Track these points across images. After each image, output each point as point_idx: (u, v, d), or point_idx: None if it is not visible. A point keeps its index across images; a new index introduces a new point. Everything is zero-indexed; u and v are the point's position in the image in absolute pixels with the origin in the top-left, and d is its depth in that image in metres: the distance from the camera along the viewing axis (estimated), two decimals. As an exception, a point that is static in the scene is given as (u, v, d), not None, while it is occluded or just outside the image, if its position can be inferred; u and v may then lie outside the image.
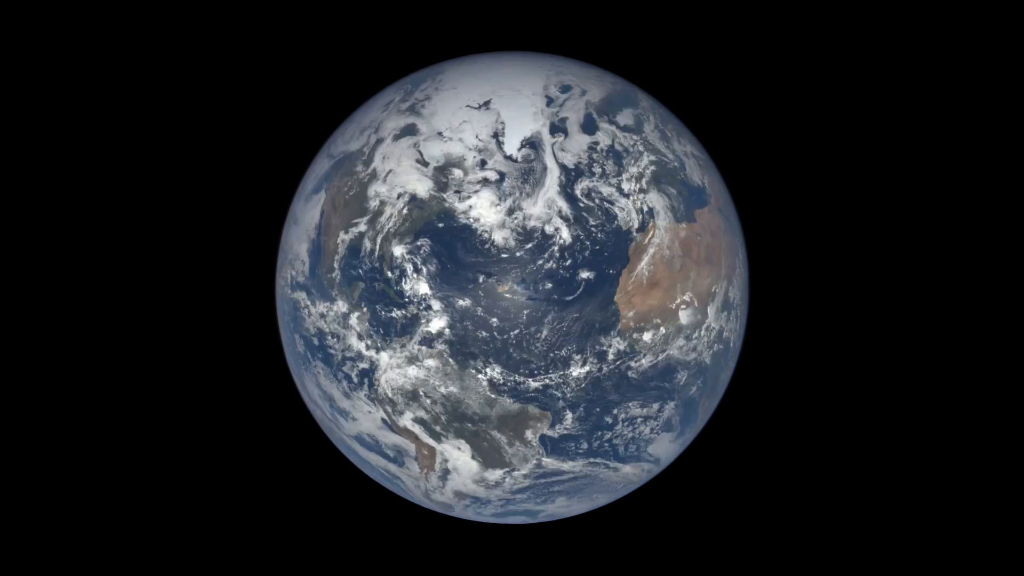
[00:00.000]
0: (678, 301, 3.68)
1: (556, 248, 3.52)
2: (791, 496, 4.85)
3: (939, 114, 4.82)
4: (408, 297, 3.55)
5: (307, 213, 3.93)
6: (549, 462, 3.76)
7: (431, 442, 3.73)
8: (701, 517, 4.84)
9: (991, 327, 4.78)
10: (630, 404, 3.70)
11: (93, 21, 4.76)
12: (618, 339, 3.57)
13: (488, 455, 3.73)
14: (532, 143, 3.62)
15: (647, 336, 3.62)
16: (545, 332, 3.52)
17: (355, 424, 3.88)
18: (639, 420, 3.76)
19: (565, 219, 3.53)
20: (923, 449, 4.81)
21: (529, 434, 3.68)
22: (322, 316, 3.77)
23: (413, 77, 4.10)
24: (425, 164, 3.63)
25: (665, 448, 4.00)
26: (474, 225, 3.53)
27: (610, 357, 3.59)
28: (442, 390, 3.61)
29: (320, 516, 4.84)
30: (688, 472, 4.61)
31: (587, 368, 3.59)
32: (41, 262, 4.78)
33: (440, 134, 3.68)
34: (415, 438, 3.75)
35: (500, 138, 3.63)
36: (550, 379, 3.58)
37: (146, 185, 4.88)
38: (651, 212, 3.65)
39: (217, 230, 4.89)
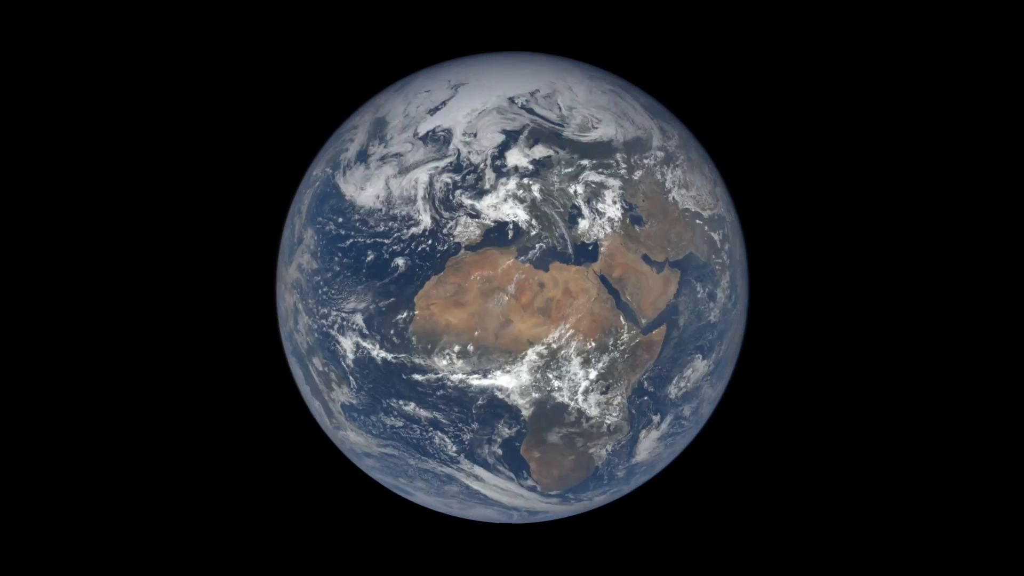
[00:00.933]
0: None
1: None
2: (791, 496, 4.86)
3: (939, 114, 4.83)
4: None
5: None
6: None
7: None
8: (700, 517, 4.86)
9: (991, 326, 4.79)
10: None
11: (93, 21, 4.78)
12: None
13: None
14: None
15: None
16: None
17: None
18: None
19: None
20: (923, 449, 4.82)
21: None
22: None
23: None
24: None
25: None
26: None
27: None
28: None
29: (320, 516, 4.85)
30: (687, 472, 4.63)
31: None
32: (39, 263, 4.79)
33: None
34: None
35: None
36: None
37: (146, 185, 4.90)
38: None
39: (217, 230, 4.91)
